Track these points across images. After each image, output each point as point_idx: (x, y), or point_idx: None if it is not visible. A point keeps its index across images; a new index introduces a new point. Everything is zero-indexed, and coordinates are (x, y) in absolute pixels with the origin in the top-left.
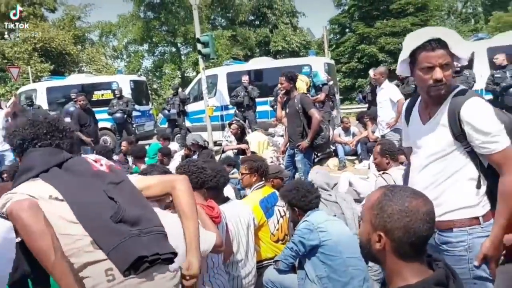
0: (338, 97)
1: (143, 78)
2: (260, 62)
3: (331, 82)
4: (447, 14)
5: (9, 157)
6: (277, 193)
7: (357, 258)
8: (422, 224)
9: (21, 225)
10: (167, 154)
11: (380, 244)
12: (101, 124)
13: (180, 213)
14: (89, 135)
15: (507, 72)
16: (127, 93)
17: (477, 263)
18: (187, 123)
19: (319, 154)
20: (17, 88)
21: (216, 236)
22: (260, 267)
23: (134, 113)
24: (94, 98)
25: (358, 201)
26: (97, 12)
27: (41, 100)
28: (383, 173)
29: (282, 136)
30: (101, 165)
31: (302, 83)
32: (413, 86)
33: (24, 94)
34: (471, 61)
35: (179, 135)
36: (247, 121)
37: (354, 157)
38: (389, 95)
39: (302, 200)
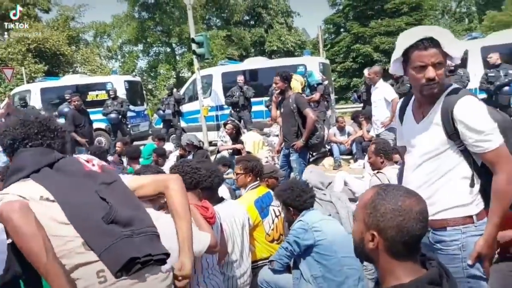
0: (333, 96)
1: (137, 78)
2: (255, 62)
3: (326, 82)
4: (441, 14)
5: (3, 158)
6: (272, 193)
7: (352, 257)
8: (415, 223)
9: (11, 227)
10: (162, 155)
11: (373, 243)
12: (95, 125)
13: (173, 213)
14: (83, 136)
15: (500, 71)
16: (121, 93)
17: (471, 261)
18: (182, 124)
19: (314, 154)
20: (11, 89)
21: (210, 237)
22: (255, 267)
23: (129, 114)
24: (89, 98)
25: (353, 200)
26: (91, 12)
27: (35, 101)
28: (378, 172)
29: (277, 136)
30: (93, 165)
31: (296, 82)
32: (408, 85)
33: (18, 95)
34: (465, 60)
35: (174, 135)
36: (242, 121)
37: (349, 157)
38: (383, 94)
39: (297, 200)
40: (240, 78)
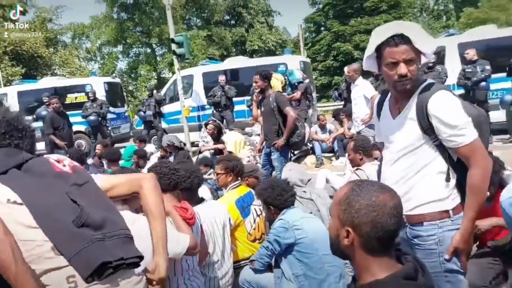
0: (315, 95)
1: (117, 80)
2: (236, 62)
3: (307, 80)
4: (420, 11)
5: None
6: (253, 192)
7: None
8: (389, 218)
9: None
10: (143, 156)
11: (348, 239)
12: (75, 128)
13: (147, 213)
14: (63, 139)
15: (477, 66)
16: (101, 95)
17: (447, 256)
18: (164, 125)
19: (296, 152)
20: None
21: (190, 238)
22: (238, 267)
23: (109, 116)
24: (68, 101)
25: None
26: (69, 14)
27: (12, 105)
28: (357, 169)
29: (259, 135)
30: (64, 165)
31: (277, 81)
32: None
33: None
34: (442, 56)
35: (155, 136)
36: (224, 121)
37: (331, 154)
38: (363, 91)
39: (278, 199)
40: (222, 78)
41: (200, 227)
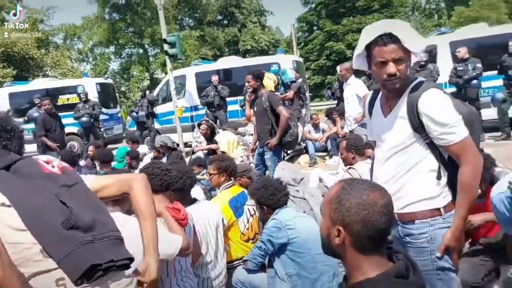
0: (307, 94)
1: (110, 80)
2: (229, 62)
3: (300, 80)
4: (412, 10)
5: None
6: (247, 192)
7: None
8: (380, 216)
9: None
10: (135, 157)
11: (339, 238)
12: (67, 129)
13: (137, 213)
14: (55, 141)
15: (469, 65)
16: (93, 96)
17: (439, 254)
18: (157, 125)
19: (289, 152)
20: None
21: (182, 239)
22: (231, 268)
23: (102, 117)
24: (60, 102)
25: None
26: (60, 14)
27: (4, 106)
28: (350, 168)
29: (252, 135)
30: (53, 166)
31: (269, 81)
32: None
33: None
34: (434, 55)
35: (148, 137)
36: (218, 121)
37: (324, 153)
38: (355, 90)
39: (271, 199)
40: (215, 78)
41: (192, 227)
